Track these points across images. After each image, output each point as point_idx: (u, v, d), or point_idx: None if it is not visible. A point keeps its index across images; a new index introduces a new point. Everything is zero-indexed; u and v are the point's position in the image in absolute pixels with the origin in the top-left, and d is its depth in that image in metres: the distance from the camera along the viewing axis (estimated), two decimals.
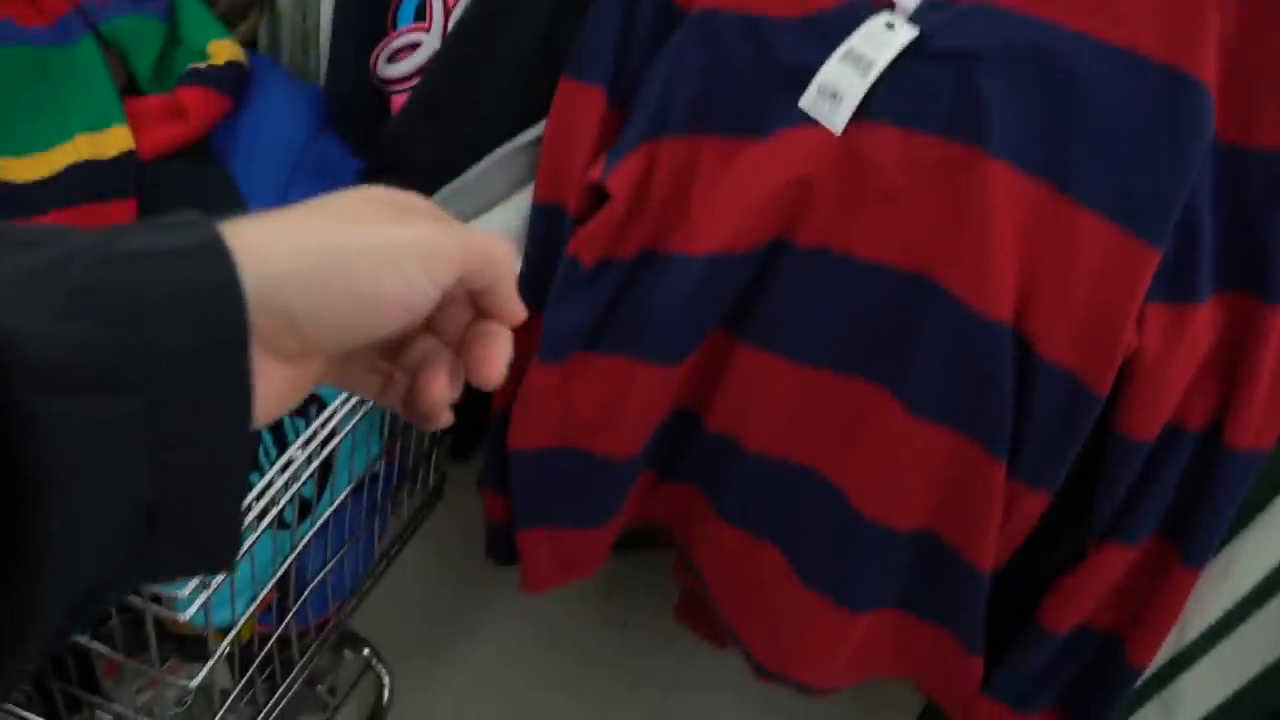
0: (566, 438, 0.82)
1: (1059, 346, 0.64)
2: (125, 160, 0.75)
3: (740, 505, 0.82)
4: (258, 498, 0.64)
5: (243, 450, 0.31)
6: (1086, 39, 0.63)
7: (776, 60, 0.72)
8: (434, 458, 0.97)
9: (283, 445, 0.73)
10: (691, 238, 0.74)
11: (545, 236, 0.80)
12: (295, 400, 0.36)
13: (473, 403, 0.95)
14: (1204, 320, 0.63)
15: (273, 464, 0.67)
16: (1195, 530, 0.67)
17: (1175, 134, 0.61)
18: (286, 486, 0.66)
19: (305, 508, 0.75)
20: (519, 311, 0.39)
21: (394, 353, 0.40)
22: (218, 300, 0.29)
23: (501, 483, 0.86)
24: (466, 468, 1.02)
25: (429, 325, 0.39)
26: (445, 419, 0.40)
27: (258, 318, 0.30)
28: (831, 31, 0.71)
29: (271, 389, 0.33)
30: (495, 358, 0.38)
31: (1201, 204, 0.62)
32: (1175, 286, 0.63)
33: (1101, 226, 0.63)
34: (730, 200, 0.73)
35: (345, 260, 0.33)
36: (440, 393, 0.39)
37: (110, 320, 0.27)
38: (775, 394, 0.76)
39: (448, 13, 0.80)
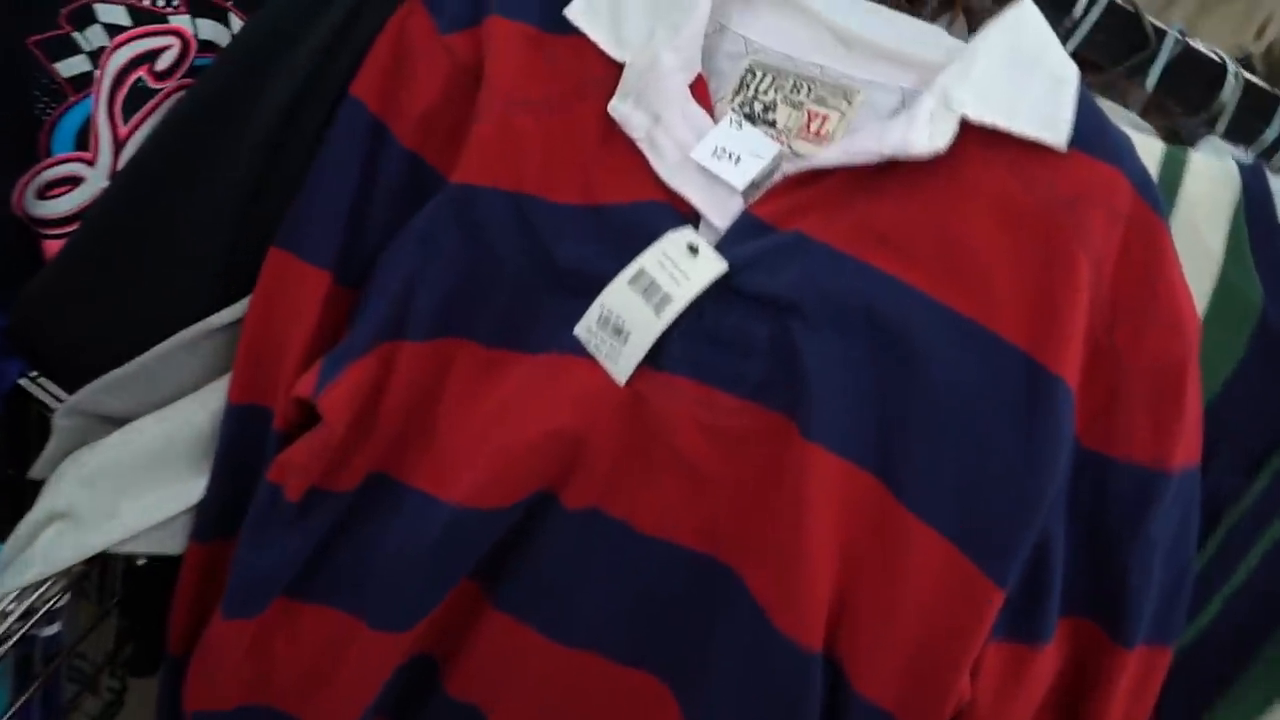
0: (263, 698, 0.63)
1: (877, 682, 0.51)
2: None
3: None
4: None
5: None
6: (930, 302, 0.50)
7: (550, 258, 0.56)
8: (102, 680, 0.76)
9: None
10: (435, 477, 0.58)
11: (242, 448, 0.61)
12: None
13: (156, 612, 0.74)
14: (1048, 661, 0.51)
15: None
16: None
17: (1031, 443, 0.49)
18: None
19: None
20: None
21: None
22: None
23: None
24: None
25: None
26: None
27: None
28: (620, 235, 0.55)
29: None
30: None
31: (1054, 520, 0.50)
32: (1018, 625, 0.51)
33: (938, 546, 0.50)
34: (481, 445, 0.56)
35: None
36: None
37: None
38: (532, 673, 0.60)
39: (119, 145, 0.59)
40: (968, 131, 0.50)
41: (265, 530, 0.60)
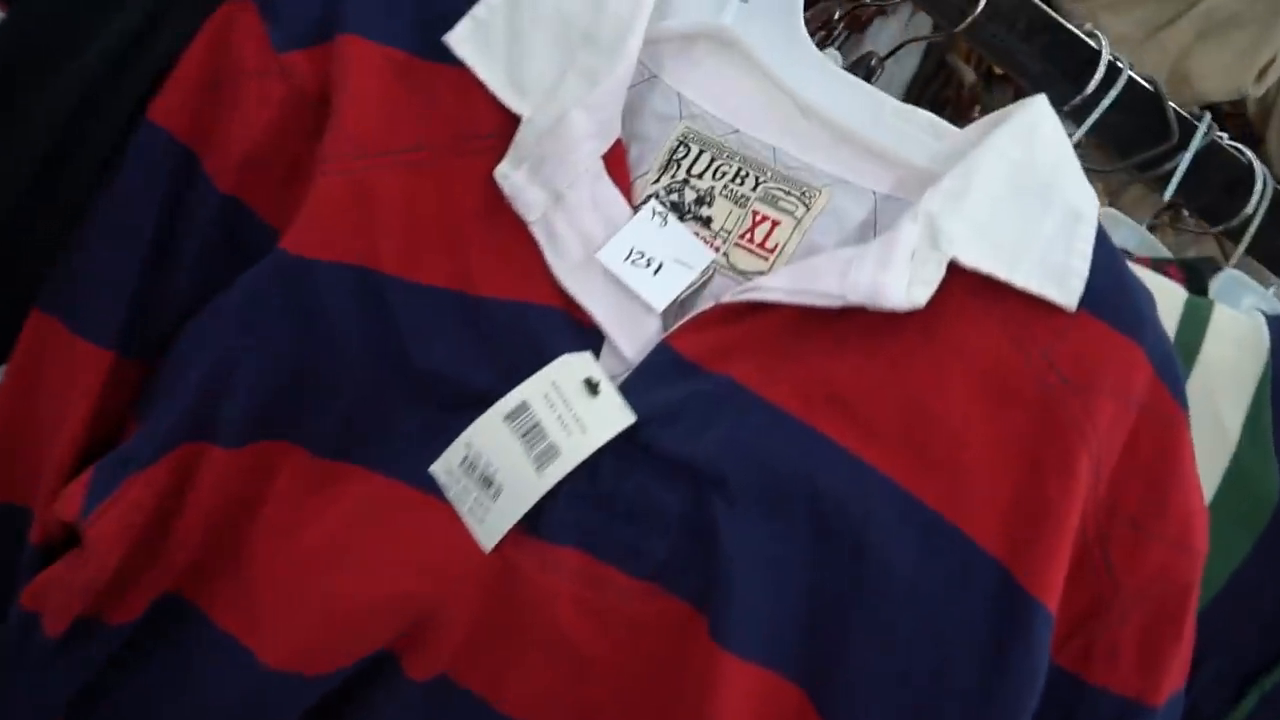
0: None
1: None
2: None
3: None
4: None
5: None
6: (890, 486, 0.39)
7: (405, 353, 0.43)
8: None
9: None
10: (246, 620, 0.46)
11: None
12: None
13: None
14: None
15: None
16: None
17: (999, 681, 0.39)
18: None
19: None
20: None
21: None
22: None
23: None
24: None
25: None
26: None
27: None
28: (500, 338, 0.43)
29: None
30: None
31: None
32: None
33: None
34: (306, 592, 0.44)
35: None
36: None
37: None
38: None
39: None
40: (956, 273, 0.38)
41: (17, 665, 0.47)
